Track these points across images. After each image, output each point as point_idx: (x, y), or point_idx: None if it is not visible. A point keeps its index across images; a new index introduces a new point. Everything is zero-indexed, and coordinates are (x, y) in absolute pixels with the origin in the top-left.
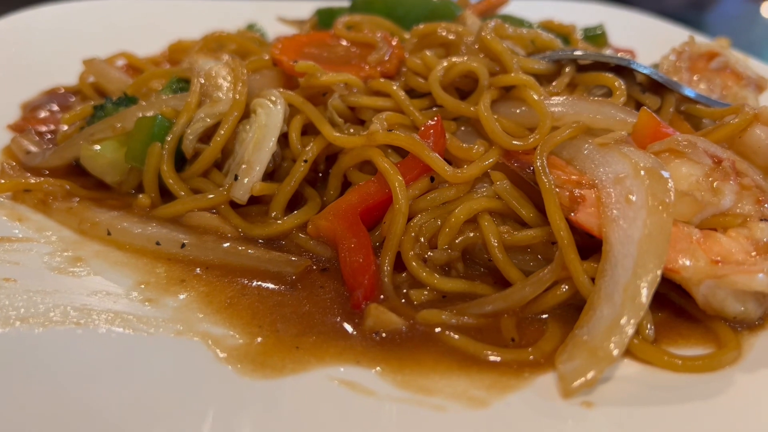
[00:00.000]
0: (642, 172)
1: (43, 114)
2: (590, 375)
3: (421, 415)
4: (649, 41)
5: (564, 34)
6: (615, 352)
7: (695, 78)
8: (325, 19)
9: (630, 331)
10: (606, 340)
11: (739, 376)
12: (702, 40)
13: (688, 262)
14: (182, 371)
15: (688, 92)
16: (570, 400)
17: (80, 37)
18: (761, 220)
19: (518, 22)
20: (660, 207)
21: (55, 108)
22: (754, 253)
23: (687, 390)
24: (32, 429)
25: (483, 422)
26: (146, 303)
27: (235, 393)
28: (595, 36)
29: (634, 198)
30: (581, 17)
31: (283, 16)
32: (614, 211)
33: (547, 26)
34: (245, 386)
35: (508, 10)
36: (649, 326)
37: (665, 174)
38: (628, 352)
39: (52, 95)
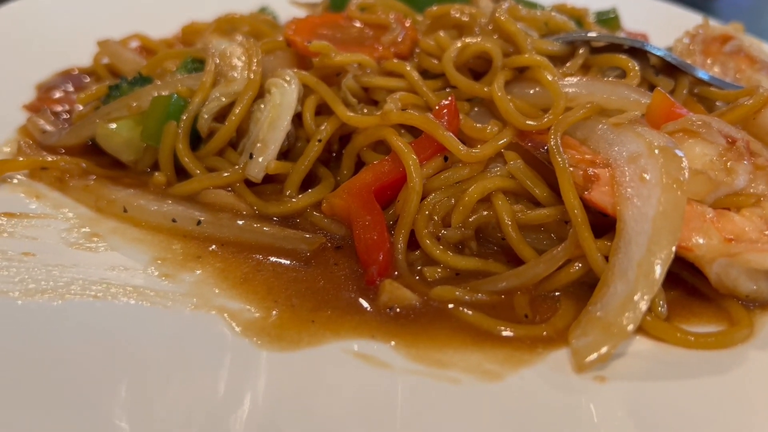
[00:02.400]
0: (656, 151)
1: (57, 94)
2: (603, 350)
3: (437, 388)
4: (662, 26)
5: (577, 17)
6: (629, 328)
7: (708, 61)
8: (337, 2)
9: (644, 306)
10: (620, 315)
11: (752, 353)
12: (715, 24)
13: (701, 240)
14: (200, 343)
15: (702, 75)
16: (583, 374)
17: (94, 18)
18: None
19: (531, 5)
20: (674, 185)
21: (70, 88)
22: (767, 232)
23: (699, 366)
24: (51, 399)
25: (497, 395)
26: (163, 278)
27: (253, 364)
28: (608, 19)
29: (648, 176)
30: (593, 1)
31: None
32: (628, 190)
33: (560, 9)
34: (263, 358)
35: None
36: (661, 303)
37: (679, 153)
38: (641, 329)
39: (66, 76)
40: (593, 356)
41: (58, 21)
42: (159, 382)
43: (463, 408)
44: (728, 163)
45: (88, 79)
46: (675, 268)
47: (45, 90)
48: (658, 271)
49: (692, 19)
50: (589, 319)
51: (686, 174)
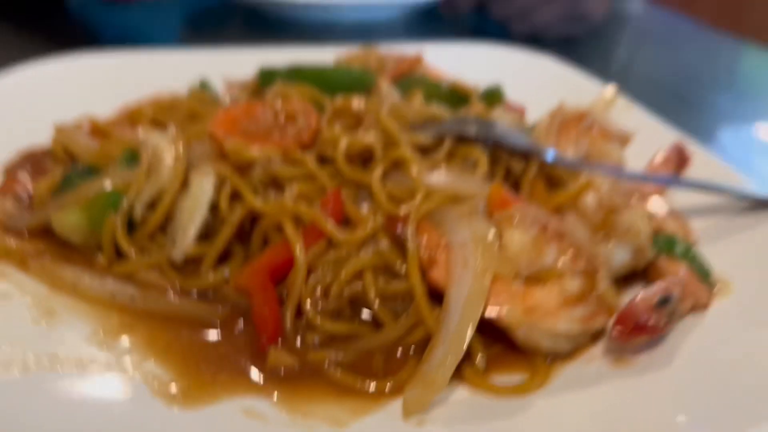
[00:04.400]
0: (477, 240)
1: (21, 177)
2: (425, 399)
3: None
4: (554, 88)
5: (466, 95)
6: (441, 382)
7: (565, 140)
8: (266, 79)
9: (454, 365)
10: (437, 372)
11: (538, 400)
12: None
13: (506, 312)
14: (122, 404)
15: (549, 156)
16: (408, 420)
17: (50, 97)
18: (573, 276)
19: (430, 86)
20: (484, 271)
21: (32, 171)
22: (562, 303)
23: (501, 410)
24: None
25: None
26: (102, 346)
27: (165, 422)
28: (492, 95)
29: (468, 261)
30: (505, 61)
31: (229, 77)
32: (455, 272)
33: (454, 87)
34: (171, 416)
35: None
36: (479, 357)
37: (495, 242)
38: (463, 379)
39: (28, 157)
40: (417, 405)
41: (16, 102)
42: None
43: None
44: (540, 246)
45: (48, 161)
46: (500, 329)
47: (12, 173)
48: (466, 338)
49: (590, 84)
50: (417, 375)
51: (496, 262)
